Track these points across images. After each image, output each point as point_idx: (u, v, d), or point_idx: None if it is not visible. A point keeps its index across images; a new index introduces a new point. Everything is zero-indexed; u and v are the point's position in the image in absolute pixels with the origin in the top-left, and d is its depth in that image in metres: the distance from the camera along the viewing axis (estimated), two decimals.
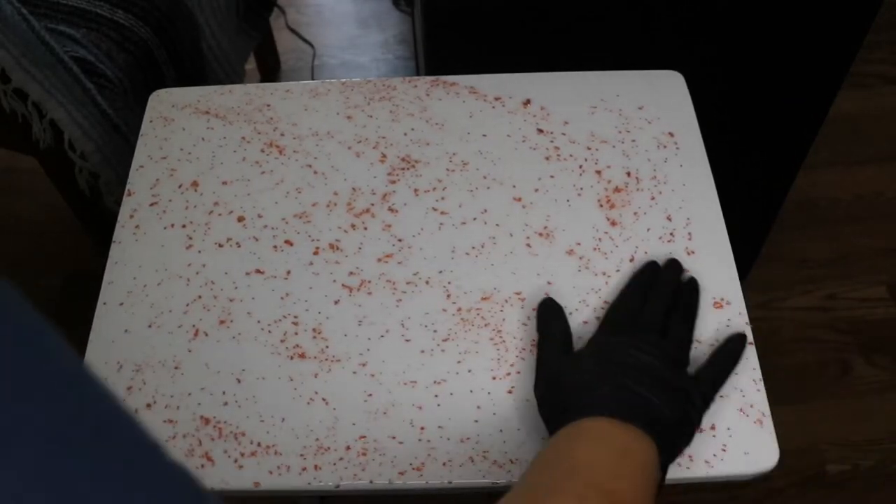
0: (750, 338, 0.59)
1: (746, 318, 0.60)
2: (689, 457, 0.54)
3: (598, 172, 0.68)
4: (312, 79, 1.67)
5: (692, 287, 0.61)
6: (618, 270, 0.62)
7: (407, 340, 0.59)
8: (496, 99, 0.73)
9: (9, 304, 0.23)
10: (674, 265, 0.62)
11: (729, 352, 0.57)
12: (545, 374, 0.54)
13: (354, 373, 0.57)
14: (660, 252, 0.63)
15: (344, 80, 0.75)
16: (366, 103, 0.72)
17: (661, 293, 0.59)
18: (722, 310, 0.60)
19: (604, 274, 0.62)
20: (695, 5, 0.85)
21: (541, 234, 0.64)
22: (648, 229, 0.65)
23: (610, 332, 0.57)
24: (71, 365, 0.25)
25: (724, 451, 0.54)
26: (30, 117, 0.96)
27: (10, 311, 0.23)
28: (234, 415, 0.56)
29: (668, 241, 0.64)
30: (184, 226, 0.65)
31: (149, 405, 0.56)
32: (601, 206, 0.66)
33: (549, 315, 0.59)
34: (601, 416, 0.48)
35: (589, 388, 0.50)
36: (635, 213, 0.65)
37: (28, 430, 0.22)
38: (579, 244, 0.64)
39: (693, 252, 0.63)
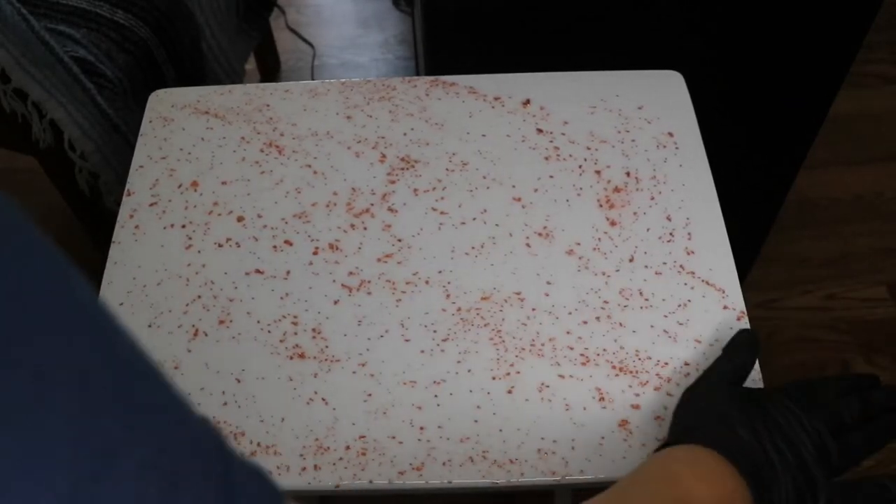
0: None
1: (746, 320, 0.60)
2: None
3: (598, 172, 0.68)
4: (312, 79, 1.67)
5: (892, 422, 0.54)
6: (617, 270, 0.62)
7: (406, 340, 0.59)
8: (496, 99, 0.73)
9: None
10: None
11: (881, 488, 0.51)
12: (705, 387, 0.53)
13: (354, 373, 0.57)
14: (659, 252, 0.63)
15: (343, 80, 0.75)
16: (365, 103, 0.72)
17: (861, 399, 0.53)
18: (723, 311, 0.60)
19: (603, 274, 0.62)
20: (695, 5, 0.85)
21: (540, 234, 0.64)
22: (648, 229, 0.65)
23: (787, 394, 0.52)
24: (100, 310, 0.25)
25: None
26: (29, 117, 0.96)
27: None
28: (234, 415, 0.56)
29: (668, 241, 0.64)
30: (183, 226, 0.65)
31: None
32: (601, 205, 0.66)
33: (745, 345, 0.56)
34: (719, 454, 0.46)
35: (729, 422, 0.48)
36: (635, 213, 0.65)
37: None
38: (579, 244, 0.64)
39: (693, 252, 0.63)
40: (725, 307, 0.61)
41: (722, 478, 0.45)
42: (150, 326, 0.60)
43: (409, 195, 0.67)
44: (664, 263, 0.63)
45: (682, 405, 0.53)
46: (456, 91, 0.73)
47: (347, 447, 0.54)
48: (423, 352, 0.58)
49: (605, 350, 0.58)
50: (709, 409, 0.51)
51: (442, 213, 0.66)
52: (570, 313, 0.60)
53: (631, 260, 0.63)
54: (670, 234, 0.64)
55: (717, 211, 0.66)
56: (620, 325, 0.60)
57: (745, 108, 0.98)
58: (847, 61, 0.92)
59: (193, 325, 0.60)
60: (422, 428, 0.55)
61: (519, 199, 0.66)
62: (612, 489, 0.45)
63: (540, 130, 0.71)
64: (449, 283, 0.62)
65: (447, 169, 0.68)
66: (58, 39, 0.96)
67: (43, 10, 1.02)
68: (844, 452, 0.51)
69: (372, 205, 0.66)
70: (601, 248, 0.64)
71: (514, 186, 0.67)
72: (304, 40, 1.72)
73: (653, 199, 0.66)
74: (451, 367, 0.58)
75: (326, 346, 0.59)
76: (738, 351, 0.56)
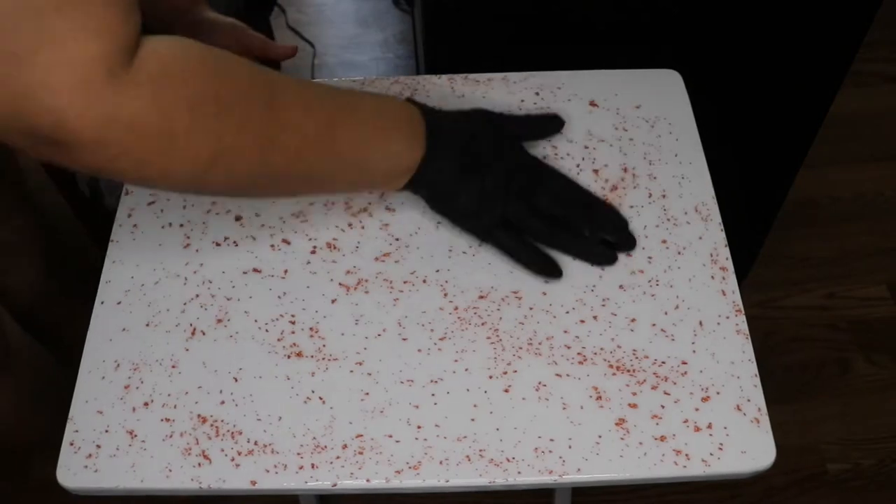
0: (747, 332, 0.59)
1: (744, 317, 0.60)
2: (686, 455, 0.54)
3: (596, 171, 0.68)
4: (313, 78, 1.67)
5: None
6: (615, 268, 0.62)
7: (404, 339, 0.59)
8: (495, 98, 0.73)
9: None
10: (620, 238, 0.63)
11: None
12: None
13: (351, 371, 0.58)
14: (659, 252, 0.63)
15: (344, 79, 0.75)
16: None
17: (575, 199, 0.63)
18: (721, 309, 0.60)
19: (601, 271, 0.62)
20: (694, 4, 0.85)
21: None
22: (645, 227, 0.65)
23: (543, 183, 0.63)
24: None
25: (721, 449, 0.54)
26: None
27: None
28: (231, 413, 0.56)
29: (666, 240, 0.64)
30: (181, 225, 0.65)
31: (146, 404, 0.56)
32: None
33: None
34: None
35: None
36: (632, 210, 0.65)
37: None
38: None
39: (691, 251, 0.63)
40: (724, 305, 0.61)
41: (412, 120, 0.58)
42: (147, 325, 0.60)
43: (407, 194, 0.67)
44: (662, 262, 0.63)
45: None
46: (455, 89, 0.73)
47: (345, 446, 0.54)
48: (420, 351, 0.58)
49: (602, 349, 0.58)
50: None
51: None
52: (567, 312, 0.60)
53: (628, 256, 0.63)
54: (668, 232, 0.64)
55: (716, 210, 0.66)
56: (618, 324, 0.60)
57: (745, 107, 0.98)
58: (847, 59, 0.92)
59: (191, 324, 0.60)
60: (419, 427, 0.55)
61: None
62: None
63: None
64: (446, 282, 0.62)
65: None
66: None
67: None
68: (525, 204, 0.61)
69: (370, 204, 0.66)
70: None
71: None
72: (305, 39, 1.73)
73: (650, 196, 0.66)
74: (448, 366, 0.58)
75: (324, 345, 0.59)
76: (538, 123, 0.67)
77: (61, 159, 0.43)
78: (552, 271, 0.61)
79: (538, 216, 0.61)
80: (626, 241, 0.63)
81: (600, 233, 0.62)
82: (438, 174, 0.59)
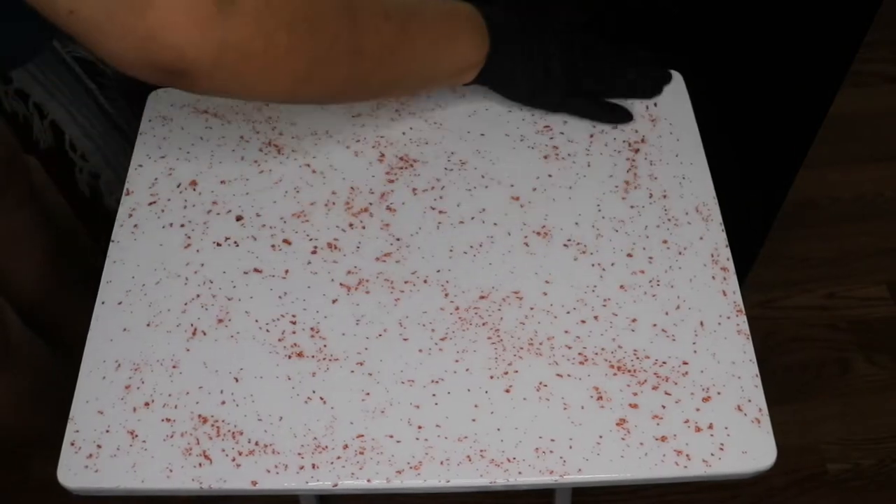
0: (748, 332, 0.59)
1: (745, 317, 0.60)
2: (687, 456, 0.54)
3: (597, 172, 0.68)
4: None
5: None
6: (616, 269, 0.62)
7: (405, 339, 0.59)
8: (495, 98, 0.73)
9: None
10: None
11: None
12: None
13: (352, 372, 0.58)
14: (660, 253, 0.63)
15: None
16: (365, 102, 0.72)
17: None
18: (721, 309, 0.60)
19: (602, 273, 0.62)
20: (694, 5, 0.85)
21: (539, 233, 0.64)
22: (646, 227, 0.65)
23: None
24: None
25: (722, 450, 0.54)
26: (30, 118, 0.96)
27: None
28: (232, 414, 0.56)
29: (667, 240, 0.64)
30: (182, 225, 0.65)
31: (147, 404, 0.56)
32: (599, 204, 0.66)
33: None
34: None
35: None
36: (633, 210, 0.66)
37: None
38: (577, 243, 0.64)
39: (691, 251, 0.63)
40: (724, 305, 0.61)
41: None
42: (148, 325, 0.60)
43: (408, 194, 0.67)
44: (663, 262, 0.63)
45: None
46: (455, 89, 0.73)
47: (345, 446, 0.54)
48: (421, 351, 0.58)
49: (603, 349, 0.58)
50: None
51: (440, 212, 0.66)
52: (568, 312, 0.60)
53: (630, 256, 0.63)
54: (669, 232, 0.64)
55: (717, 210, 0.66)
56: (619, 324, 0.60)
57: (745, 108, 0.98)
58: (847, 60, 0.92)
59: (192, 324, 0.60)
60: (420, 427, 0.55)
61: (517, 199, 0.66)
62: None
63: (539, 130, 0.71)
64: (447, 282, 0.62)
65: (446, 168, 0.68)
66: (59, 39, 0.96)
67: None
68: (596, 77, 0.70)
69: (371, 204, 0.66)
70: (600, 247, 0.64)
71: (512, 185, 0.67)
72: None
73: (651, 197, 0.66)
74: (449, 367, 0.58)
75: (325, 346, 0.59)
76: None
77: (182, 86, 0.50)
78: (624, 116, 0.71)
79: (593, 76, 0.70)
80: (663, 74, 0.74)
81: (641, 71, 0.73)
82: (502, 67, 0.66)
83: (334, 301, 0.61)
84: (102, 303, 0.61)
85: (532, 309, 0.60)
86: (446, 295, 0.61)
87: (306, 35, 0.52)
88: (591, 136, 0.70)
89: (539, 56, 0.67)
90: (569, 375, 0.57)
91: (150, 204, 0.66)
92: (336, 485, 0.53)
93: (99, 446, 0.54)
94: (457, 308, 0.60)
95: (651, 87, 0.73)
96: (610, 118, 0.71)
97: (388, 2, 0.58)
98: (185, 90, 0.51)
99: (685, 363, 0.58)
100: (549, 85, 0.68)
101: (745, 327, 0.60)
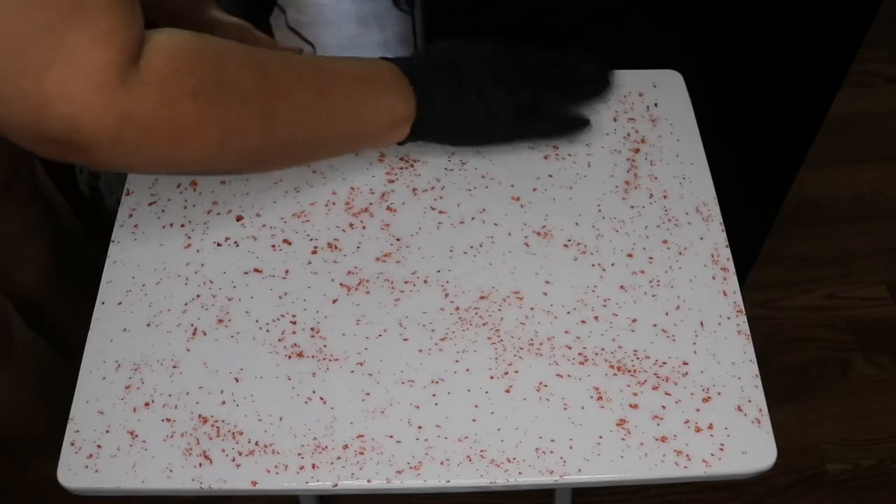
0: (748, 332, 0.59)
1: (745, 317, 0.60)
2: (687, 456, 0.54)
3: (597, 172, 0.68)
4: None
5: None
6: (616, 269, 0.62)
7: (405, 339, 0.59)
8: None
9: None
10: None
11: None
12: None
13: (352, 372, 0.58)
14: (660, 253, 0.63)
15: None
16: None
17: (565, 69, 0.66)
18: (721, 309, 0.60)
19: (602, 273, 0.62)
20: (694, 5, 0.85)
21: (539, 234, 0.64)
22: (646, 227, 0.65)
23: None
24: None
25: (722, 450, 0.54)
26: None
27: None
28: (232, 414, 0.56)
29: (667, 240, 0.64)
30: (182, 225, 0.65)
31: (147, 404, 0.56)
32: (599, 205, 0.66)
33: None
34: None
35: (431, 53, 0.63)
36: (633, 210, 0.66)
37: None
38: (578, 243, 0.64)
39: (691, 251, 0.63)
40: (725, 305, 0.61)
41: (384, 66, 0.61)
42: (148, 325, 0.60)
43: (408, 194, 0.67)
44: (663, 263, 0.63)
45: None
46: None
47: (345, 446, 0.54)
48: (421, 351, 0.58)
49: (603, 349, 0.58)
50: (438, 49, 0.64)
51: (441, 212, 0.66)
52: (568, 312, 0.60)
53: (630, 256, 0.63)
54: (669, 232, 0.64)
55: (717, 210, 0.66)
56: (619, 324, 0.60)
57: (745, 108, 0.98)
58: (847, 60, 0.92)
59: (192, 325, 0.60)
60: (420, 427, 0.55)
61: (517, 199, 0.66)
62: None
63: None
64: (447, 282, 0.62)
65: (446, 168, 0.68)
66: None
67: None
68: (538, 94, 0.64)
69: (371, 204, 0.66)
70: (600, 247, 0.64)
71: (512, 186, 0.67)
72: (305, 39, 1.72)
73: (651, 197, 0.66)
74: (449, 367, 0.58)
75: (325, 346, 0.59)
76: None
77: (80, 160, 0.46)
78: (580, 123, 0.68)
79: (540, 92, 0.65)
80: (604, 71, 0.68)
81: (586, 71, 0.68)
82: (434, 113, 0.62)
83: (334, 301, 0.61)
84: (102, 303, 0.61)
85: (532, 309, 0.60)
86: (446, 295, 0.61)
87: (215, 102, 0.48)
88: (591, 136, 0.70)
89: (471, 91, 0.62)
90: (569, 376, 0.57)
91: (151, 204, 0.66)
92: (336, 485, 0.53)
93: (99, 446, 0.54)
94: (457, 308, 0.60)
95: (599, 79, 0.68)
96: (565, 131, 0.68)
97: (299, 65, 0.56)
98: (80, 163, 0.47)
99: (685, 363, 0.58)
100: (491, 118, 0.64)
101: (746, 327, 0.60)
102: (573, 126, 0.68)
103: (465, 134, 0.65)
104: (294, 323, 0.60)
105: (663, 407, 0.56)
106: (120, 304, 0.61)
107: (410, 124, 0.62)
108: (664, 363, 0.58)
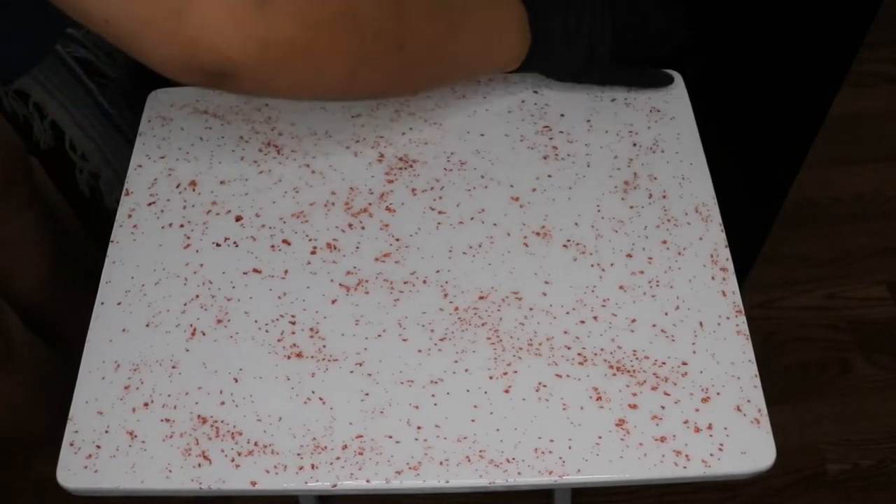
0: (747, 332, 0.59)
1: (745, 318, 0.60)
2: (686, 456, 0.54)
3: (596, 172, 0.68)
4: None
5: None
6: (615, 269, 0.62)
7: (404, 340, 0.59)
8: (495, 98, 0.73)
9: None
10: None
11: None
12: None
13: (351, 372, 0.58)
14: (659, 253, 0.63)
15: None
16: (364, 102, 0.72)
17: None
18: (721, 310, 0.60)
19: (602, 273, 0.62)
20: (695, 5, 0.85)
21: (538, 234, 0.64)
22: (646, 227, 0.65)
23: None
24: None
25: (721, 450, 0.54)
26: (31, 118, 0.96)
27: None
28: (231, 414, 0.56)
29: (666, 241, 0.64)
30: (182, 225, 0.65)
31: (146, 404, 0.56)
32: (599, 205, 0.66)
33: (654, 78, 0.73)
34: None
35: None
36: (633, 211, 0.66)
37: None
38: (577, 243, 0.64)
39: (691, 251, 0.63)
40: (724, 306, 0.61)
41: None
42: (147, 326, 0.60)
43: (408, 195, 0.67)
44: (663, 263, 0.63)
45: None
46: (455, 89, 0.73)
47: (344, 447, 0.54)
48: (420, 351, 0.59)
49: (602, 349, 0.58)
50: None
51: (440, 212, 0.66)
52: (567, 313, 0.60)
53: (629, 257, 0.63)
54: (668, 233, 0.64)
55: (717, 210, 0.66)
56: (618, 324, 0.60)
57: (745, 108, 0.98)
58: (848, 60, 0.92)
59: (191, 325, 0.60)
60: (419, 427, 0.55)
61: (517, 199, 0.66)
62: None
63: (538, 130, 0.71)
64: (447, 282, 0.62)
65: (445, 168, 0.68)
66: (59, 39, 0.96)
67: None
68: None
69: (370, 204, 0.66)
70: (599, 247, 0.64)
71: (512, 186, 0.67)
72: None
73: (651, 197, 0.66)
74: (448, 367, 0.58)
75: (324, 346, 0.59)
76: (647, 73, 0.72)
77: (229, 87, 0.51)
78: (665, 79, 0.73)
79: (630, 44, 0.69)
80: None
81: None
82: (545, 54, 0.67)
83: (333, 301, 0.61)
84: (102, 303, 0.61)
85: (531, 309, 0.60)
86: (445, 295, 0.61)
87: (350, 32, 0.51)
88: (590, 136, 0.70)
89: (584, 38, 0.67)
90: (568, 376, 0.57)
91: (150, 204, 0.66)
92: (335, 485, 0.53)
93: (98, 447, 0.54)
94: (456, 308, 0.60)
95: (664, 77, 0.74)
96: (656, 83, 0.73)
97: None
98: (232, 91, 0.52)
99: (684, 364, 0.58)
100: (593, 62, 0.69)
101: (745, 328, 0.60)
102: (659, 79, 0.73)
103: (568, 71, 0.70)
104: (293, 323, 0.60)
105: (662, 407, 0.56)
106: (119, 304, 0.61)
107: (521, 61, 0.67)
108: (663, 363, 0.58)
